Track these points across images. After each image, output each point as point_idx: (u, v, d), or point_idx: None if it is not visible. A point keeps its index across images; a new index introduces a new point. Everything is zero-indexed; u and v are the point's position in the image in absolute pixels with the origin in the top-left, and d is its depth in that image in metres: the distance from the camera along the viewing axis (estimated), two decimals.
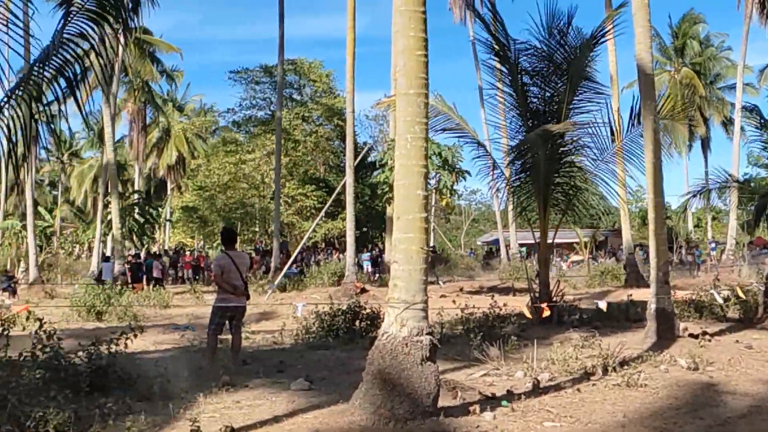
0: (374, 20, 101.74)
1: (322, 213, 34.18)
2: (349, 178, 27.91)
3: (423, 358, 6.84)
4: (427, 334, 6.97)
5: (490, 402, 7.72)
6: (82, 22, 7.87)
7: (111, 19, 7.95)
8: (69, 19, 7.74)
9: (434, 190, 34.64)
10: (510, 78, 15.76)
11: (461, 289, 25.76)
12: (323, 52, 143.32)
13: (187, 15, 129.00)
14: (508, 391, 8.28)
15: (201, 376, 9.27)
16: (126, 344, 8.61)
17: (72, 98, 8.60)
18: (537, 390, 8.33)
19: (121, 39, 9.07)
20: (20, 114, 7.93)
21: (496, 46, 15.52)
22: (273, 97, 50.17)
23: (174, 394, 8.00)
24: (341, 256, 36.59)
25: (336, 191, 33.27)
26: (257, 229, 53.58)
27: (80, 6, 7.73)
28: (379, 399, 6.80)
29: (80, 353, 8.21)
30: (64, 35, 7.99)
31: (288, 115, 49.61)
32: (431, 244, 47.11)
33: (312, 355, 11.53)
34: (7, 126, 7.77)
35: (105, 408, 6.79)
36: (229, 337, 10.55)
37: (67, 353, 8.16)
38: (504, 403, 7.65)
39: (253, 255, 38.92)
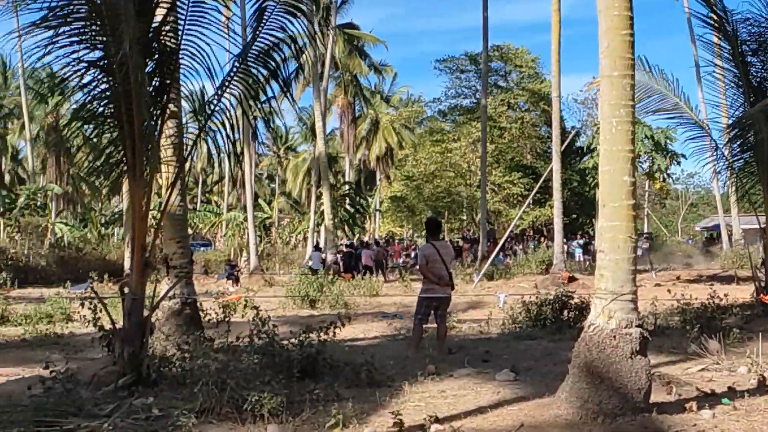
0: (580, 0, 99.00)
1: (529, 200, 33.69)
2: (555, 164, 27.40)
3: (632, 351, 6.52)
4: (636, 326, 6.63)
5: (708, 399, 7.21)
6: (281, 16, 8.18)
7: (309, 14, 8.22)
8: (265, 17, 8.05)
9: (645, 175, 33.21)
10: (730, 53, 14.74)
11: (678, 278, 24.53)
12: (528, 37, 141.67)
13: (392, 9, 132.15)
14: (729, 387, 7.70)
15: (407, 364, 9.41)
16: (335, 332, 8.88)
17: (287, 95, 9.05)
18: (763, 387, 7.69)
19: (329, 35, 9.40)
20: (237, 114, 8.42)
21: (713, 20, 14.57)
22: (478, 84, 50.18)
23: (380, 382, 8.14)
24: (549, 243, 36.01)
25: (543, 178, 32.73)
26: (464, 218, 53.82)
27: (277, 1, 8.01)
28: (586, 393, 6.57)
29: (293, 340, 8.55)
30: (274, 35, 8.36)
31: (493, 102, 49.43)
32: (647, 231, 45.31)
33: (518, 344, 11.37)
34: (222, 124, 8.28)
35: (314, 394, 7.05)
36: (435, 325, 10.65)
37: (281, 340, 8.53)
38: (725, 400, 7.13)
39: (462, 243, 39.15)
